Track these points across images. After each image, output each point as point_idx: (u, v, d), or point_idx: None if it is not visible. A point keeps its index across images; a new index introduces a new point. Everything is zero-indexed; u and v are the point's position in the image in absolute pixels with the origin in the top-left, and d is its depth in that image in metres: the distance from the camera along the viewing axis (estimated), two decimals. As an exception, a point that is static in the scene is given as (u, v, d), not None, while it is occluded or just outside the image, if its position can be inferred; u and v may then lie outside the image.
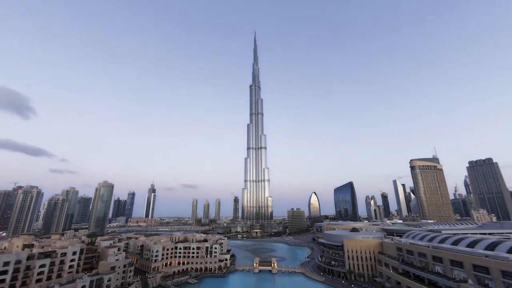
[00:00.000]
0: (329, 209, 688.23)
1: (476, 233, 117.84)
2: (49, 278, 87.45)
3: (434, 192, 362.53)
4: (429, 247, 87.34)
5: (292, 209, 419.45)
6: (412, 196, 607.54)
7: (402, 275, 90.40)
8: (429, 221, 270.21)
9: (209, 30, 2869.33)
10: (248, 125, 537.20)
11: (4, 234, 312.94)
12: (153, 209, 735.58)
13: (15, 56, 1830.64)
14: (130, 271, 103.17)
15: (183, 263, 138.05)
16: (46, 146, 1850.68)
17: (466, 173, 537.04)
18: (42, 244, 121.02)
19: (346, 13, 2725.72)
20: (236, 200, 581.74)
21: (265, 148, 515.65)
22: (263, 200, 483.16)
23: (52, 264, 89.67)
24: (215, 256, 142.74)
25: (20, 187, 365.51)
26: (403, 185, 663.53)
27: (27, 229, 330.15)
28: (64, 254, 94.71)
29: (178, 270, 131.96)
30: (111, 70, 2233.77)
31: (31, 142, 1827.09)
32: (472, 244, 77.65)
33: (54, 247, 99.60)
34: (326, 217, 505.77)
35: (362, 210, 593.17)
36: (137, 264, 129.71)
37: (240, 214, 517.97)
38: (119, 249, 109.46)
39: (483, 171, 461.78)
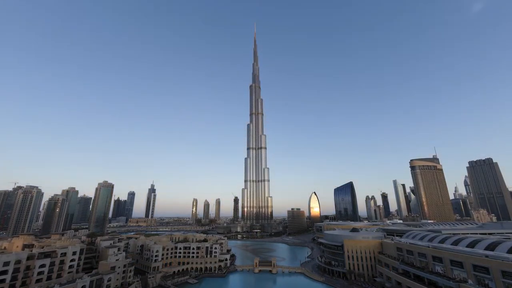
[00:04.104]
0: (329, 209, 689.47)
1: (476, 233, 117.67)
2: (49, 278, 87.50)
3: (434, 192, 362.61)
4: (429, 247, 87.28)
5: (292, 209, 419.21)
6: (412, 196, 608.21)
7: (402, 275, 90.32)
8: (429, 221, 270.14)
9: (208, 29, 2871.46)
10: (248, 125, 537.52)
11: (4, 234, 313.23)
12: (153, 209, 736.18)
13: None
14: (130, 271, 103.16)
15: (183, 263, 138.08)
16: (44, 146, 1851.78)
17: (466, 173, 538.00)
18: (42, 244, 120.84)
19: (346, 12, 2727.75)
20: (236, 200, 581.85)
21: (265, 148, 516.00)
22: (263, 200, 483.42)
23: (52, 264, 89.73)
24: (215, 256, 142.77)
25: (20, 187, 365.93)
26: (403, 185, 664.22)
27: (27, 229, 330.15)
28: (64, 254, 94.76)
29: (178, 270, 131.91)
30: (107, 68, 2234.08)
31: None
32: (472, 244, 77.63)
33: (54, 247, 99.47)
34: (326, 217, 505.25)
35: (362, 210, 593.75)
36: (137, 264, 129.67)
37: (240, 214, 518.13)
38: (119, 249, 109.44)
39: (483, 171, 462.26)
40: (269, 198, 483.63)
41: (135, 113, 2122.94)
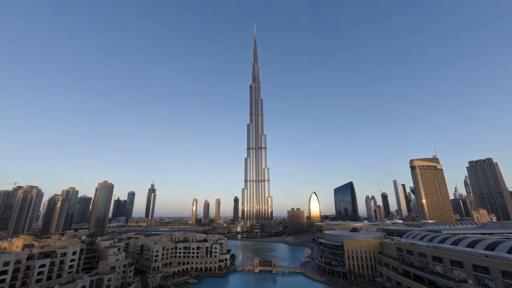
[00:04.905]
0: (329, 209, 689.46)
1: (476, 233, 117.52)
2: (49, 278, 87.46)
3: (434, 192, 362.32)
4: (429, 247, 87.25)
5: (292, 209, 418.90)
6: (412, 196, 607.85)
7: (402, 275, 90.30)
8: (429, 221, 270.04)
9: (207, 30, 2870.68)
10: (248, 125, 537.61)
11: (4, 234, 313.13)
12: (153, 209, 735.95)
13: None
14: (130, 271, 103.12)
15: (183, 263, 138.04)
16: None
17: (466, 173, 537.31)
18: (42, 244, 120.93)
19: (348, 11, 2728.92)
20: (236, 200, 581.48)
21: (265, 148, 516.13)
22: (263, 200, 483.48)
23: (52, 264, 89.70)
24: (215, 256, 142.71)
25: (20, 187, 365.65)
26: (403, 185, 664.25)
27: (27, 229, 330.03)
28: (64, 254, 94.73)
29: (178, 270, 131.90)
30: (107, 69, 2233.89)
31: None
32: (472, 244, 77.59)
33: (54, 247, 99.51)
34: (326, 217, 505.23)
35: (362, 210, 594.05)
36: (137, 264, 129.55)
37: (240, 214, 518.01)
38: (119, 249, 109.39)
39: (483, 171, 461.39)
40: (269, 198, 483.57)
41: (135, 113, 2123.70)
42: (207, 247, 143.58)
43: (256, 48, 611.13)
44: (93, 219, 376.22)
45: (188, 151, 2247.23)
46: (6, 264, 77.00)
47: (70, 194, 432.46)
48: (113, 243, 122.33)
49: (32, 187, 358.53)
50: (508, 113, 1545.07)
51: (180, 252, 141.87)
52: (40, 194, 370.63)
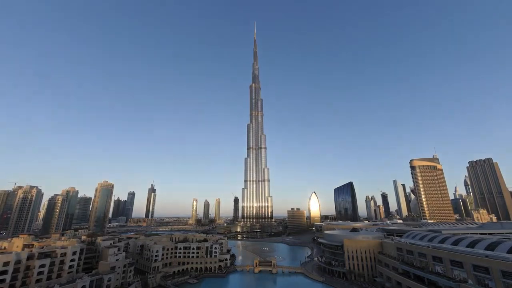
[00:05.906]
0: (329, 209, 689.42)
1: (476, 233, 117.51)
2: (49, 278, 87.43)
3: (434, 192, 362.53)
4: (429, 247, 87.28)
5: (292, 209, 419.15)
6: (412, 196, 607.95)
7: (402, 275, 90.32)
8: (429, 221, 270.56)
9: (207, 30, 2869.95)
10: (248, 125, 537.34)
11: (4, 234, 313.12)
12: (153, 209, 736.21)
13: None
14: (130, 271, 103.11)
15: (183, 263, 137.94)
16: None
17: (466, 173, 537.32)
18: (42, 244, 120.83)
19: (349, 12, 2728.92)
20: (236, 200, 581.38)
21: (265, 148, 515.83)
22: (263, 200, 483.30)
23: (52, 264, 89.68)
24: (215, 256, 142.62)
25: (20, 187, 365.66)
26: (403, 185, 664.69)
27: (27, 229, 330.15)
28: (64, 254, 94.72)
29: (178, 270, 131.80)
30: (107, 69, 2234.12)
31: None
32: (472, 244, 77.58)
33: (54, 247, 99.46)
34: (326, 217, 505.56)
35: (362, 210, 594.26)
36: (137, 264, 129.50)
37: (240, 214, 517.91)
38: (119, 249, 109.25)
39: (483, 171, 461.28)
40: (269, 198, 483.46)
41: (135, 113, 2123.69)
42: (207, 247, 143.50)
43: (256, 48, 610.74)
44: (93, 219, 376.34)
45: (188, 151, 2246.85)
46: (6, 264, 77.00)
47: (70, 194, 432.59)
48: (113, 243, 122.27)
49: (32, 187, 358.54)
50: (508, 113, 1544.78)
51: (180, 252, 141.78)
52: (40, 194, 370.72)
